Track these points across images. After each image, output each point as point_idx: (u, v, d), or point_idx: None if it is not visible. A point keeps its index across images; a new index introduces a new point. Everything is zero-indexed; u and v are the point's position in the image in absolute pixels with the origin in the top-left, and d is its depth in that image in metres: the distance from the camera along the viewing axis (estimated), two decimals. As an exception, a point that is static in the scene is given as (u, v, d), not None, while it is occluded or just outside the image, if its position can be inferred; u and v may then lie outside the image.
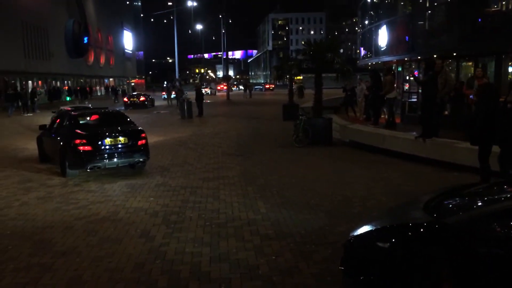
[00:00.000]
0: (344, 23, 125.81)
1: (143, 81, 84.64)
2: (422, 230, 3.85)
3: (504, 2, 13.63)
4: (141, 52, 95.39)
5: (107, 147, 9.42)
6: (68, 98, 42.72)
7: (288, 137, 14.00)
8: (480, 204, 4.30)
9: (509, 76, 14.15)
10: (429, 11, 17.25)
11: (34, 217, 6.86)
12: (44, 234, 6.09)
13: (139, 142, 9.85)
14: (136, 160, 9.82)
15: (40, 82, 40.71)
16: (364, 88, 16.78)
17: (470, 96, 10.33)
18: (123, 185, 8.84)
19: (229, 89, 47.56)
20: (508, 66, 14.33)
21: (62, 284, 4.62)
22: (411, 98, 17.25)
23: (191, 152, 12.72)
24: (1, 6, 33.37)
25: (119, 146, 9.56)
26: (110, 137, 9.48)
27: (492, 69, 14.36)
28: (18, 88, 34.37)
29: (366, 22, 26.18)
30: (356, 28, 46.55)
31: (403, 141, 10.93)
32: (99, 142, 9.39)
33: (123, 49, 74.03)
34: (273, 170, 9.95)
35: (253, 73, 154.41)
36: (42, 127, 11.39)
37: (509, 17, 13.08)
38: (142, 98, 33.98)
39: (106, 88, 58.34)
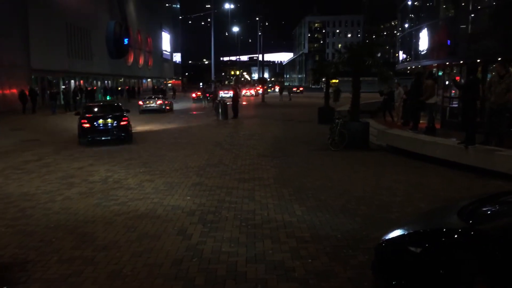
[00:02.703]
0: (382, 26, 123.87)
1: (179, 82, 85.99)
2: (456, 236, 3.77)
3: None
4: (179, 54, 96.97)
5: (101, 125, 14.66)
6: (108, 98, 43.90)
7: (324, 141, 13.90)
8: None
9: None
10: (472, 15, 16.76)
11: (76, 211, 7.11)
12: (86, 228, 6.29)
13: (121, 123, 14.92)
14: (119, 134, 14.88)
15: (82, 81, 42.06)
16: (402, 93, 16.47)
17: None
18: (160, 183, 9.02)
19: (264, 92, 47.63)
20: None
21: (103, 277, 4.76)
22: (452, 104, 16.79)
23: (227, 153, 12.83)
24: (46, 7, 34.72)
25: (108, 125, 14.76)
26: (102, 119, 14.73)
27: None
28: (62, 87, 35.71)
29: (406, 25, 25.69)
30: (395, 31, 45.75)
31: (444, 147, 10.65)
32: (95, 122, 14.61)
33: (161, 50, 75.61)
34: (309, 173, 9.90)
35: (288, 76, 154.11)
36: (77, 113, 16.75)
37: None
38: (159, 102, 29.74)
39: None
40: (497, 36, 14.68)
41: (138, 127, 19.88)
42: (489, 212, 4.22)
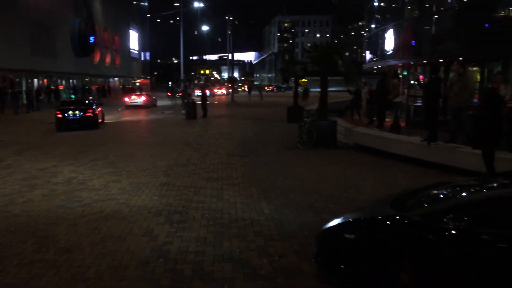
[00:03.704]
0: (350, 26, 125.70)
1: (148, 81, 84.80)
2: (384, 222, 4.16)
3: (511, 8, 13.60)
4: (147, 53, 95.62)
5: (70, 115, 18.89)
6: (73, 97, 42.84)
7: (293, 139, 13.99)
8: (439, 200, 4.45)
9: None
10: (436, 16, 17.24)
11: (38, 214, 6.89)
12: (48, 231, 6.10)
13: (87, 114, 19.12)
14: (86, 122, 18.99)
15: (45, 80, 40.86)
16: (366, 92, 16.78)
17: (474, 101, 10.21)
18: (127, 184, 8.85)
19: (234, 91, 47.54)
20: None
21: (66, 280, 4.63)
22: (416, 102, 17.21)
23: (195, 153, 12.73)
24: (8, 5, 33.56)
25: (77, 115, 18.96)
26: (71, 111, 18.98)
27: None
28: (23, 87, 34.58)
29: (373, 26, 26.19)
30: (362, 32, 46.54)
31: (408, 145, 10.90)
32: (66, 113, 18.91)
33: (129, 49, 74.32)
34: (277, 172, 9.94)
35: (258, 75, 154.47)
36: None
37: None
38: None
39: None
40: (459, 37, 15.15)
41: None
42: (416, 202, 4.52)
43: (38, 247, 5.51)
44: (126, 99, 34.15)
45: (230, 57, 56.36)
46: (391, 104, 13.49)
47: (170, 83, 67.08)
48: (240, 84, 79.66)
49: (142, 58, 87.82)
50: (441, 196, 4.52)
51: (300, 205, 7.23)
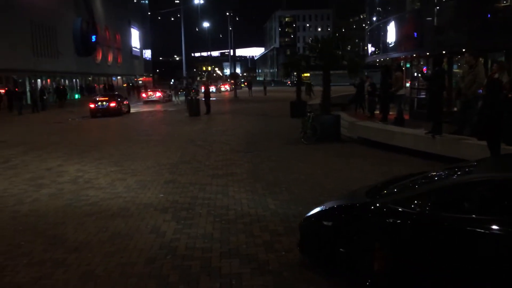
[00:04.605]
0: (351, 19, 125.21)
1: (150, 79, 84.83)
2: (357, 209, 4.48)
3: (514, -3, 13.51)
4: (149, 50, 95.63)
5: (99, 105, 25.06)
6: (77, 96, 42.96)
7: (296, 134, 14.00)
8: (409, 188, 4.56)
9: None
10: (438, 7, 17.13)
11: (46, 213, 6.95)
12: (56, 230, 6.17)
13: (111, 105, 25.12)
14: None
15: (48, 80, 40.97)
16: (368, 85, 16.75)
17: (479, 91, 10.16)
18: (132, 182, 8.91)
19: (236, 87, 47.55)
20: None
21: (75, 278, 4.68)
22: (419, 95, 17.17)
23: (200, 150, 12.77)
24: (9, 5, 33.63)
25: (104, 105, 25.13)
26: (100, 102, 25.35)
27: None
28: (27, 87, 34.70)
29: (374, 18, 26.05)
30: (364, 25, 46.37)
31: (412, 138, 10.89)
32: (97, 104, 25.19)
33: (130, 47, 74.37)
34: (282, 167, 9.96)
35: (260, 71, 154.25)
36: None
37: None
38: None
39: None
40: (461, 28, 15.06)
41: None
42: (391, 189, 4.69)
43: (47, 247, 5.56)
44: (144, 95, 38.36)
45: (231, 53, 56.28)
46: (395, 97, 13.48)
47: (172, 80, 67.16)
48: (243, 80, 79.61)
49: (144, 56, 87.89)
50: (413, 184, 4.64)
51: (305, 200, 7.25)
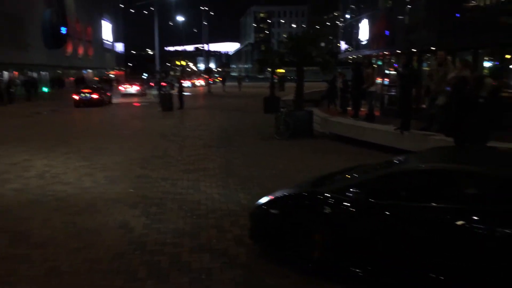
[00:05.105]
0: (326, 16, 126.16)
1: (122, 72, 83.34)
2: (299, 198, 4.80)
3: (481, -2, 13.87)
4: (121, 43, 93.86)
5: (83, 97, 26.25)
6: (44, 89, 41.82)
7: (270, 130, 14.03)
8: (349, 178, 4.86)
9: (485, 71, 14.44)
10: (409, 6, 17.44)
11: (10, 209, 6.74)
12: (21, 226, 5.99)
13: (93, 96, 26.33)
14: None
15: (16, 73, 39.72)
16: (340, 82, 16.92)
17: (447, 88, 10.36)
18: (101, 177, 8.74)
19: (208, 82, 47.18)
20: (484, 60, 14.62)
21: (40, 275, 4.56)
22: (390, 92, 17.46)
23: (172, 144, 12.64)
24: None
25: (87, 96, 26.37)
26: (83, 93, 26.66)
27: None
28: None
29: (348, 16, 26.34)
30: (337, 22, 46.80)
31: (382, 133, 11.08)
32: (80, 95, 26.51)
33: (102, 40, 72.79)
34: (254, 162, 9.97)
35: (234, 66, 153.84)
36: None
37: (485, 13, 13.32)
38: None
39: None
40: (432, 27, 15.38)
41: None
42: (332, 180, 4.99)
43: (11, 242, 5.40)
44: (121, 88, 38.62)
45: (206, 48, 55.84)
46: (366, 94, 13.65)
47: (145, 74, 66.23)
48: (217, 75, 79.11)
49: (116, 49, 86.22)
50: (352, 174, 4.97)
51: (277, 195, 7.26)
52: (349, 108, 15.34)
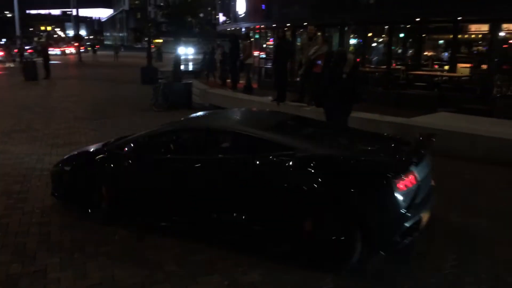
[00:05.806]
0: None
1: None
2: (90, 154, 5.30)
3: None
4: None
5: None
6: None
7: (147, 101, 13.58)
8: (129, 138, 5.25)
9: (351, 48, 15.68)
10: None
11: None
12: None
13: None
14: None
15: None
16: (220, 54, 17.03)
17: (318, 62, 11.00)
18: (-49, 154, 7.66)
19: (79, 50, 43.67)
20: (350, 38, 15.84)
21: None
22: (267, 64, 18.04)
23: (37, 117, 11.56)
24: None
25: None
26: None
27: (337, 40, 15.74)
28: None
29: (225, -14, 26.27)
30: (216, -7, 46.38)
31: (260, 105, 11.43)
32: None
33: None
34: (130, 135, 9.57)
35: (108, 34, 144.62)
36: None
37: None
38: None
39: None
40: (304, 2, 16.11)
41: None
42: (120, 141, 5.37)
43: None
44: None
45: (74, 13, 51.26)
46: (244, 66, 13.92)
47: (3, 39, 59.00)
48: (88, 43, 73.36)
49: (-35, 9, 74.98)
50: (135, 135, 5.38)
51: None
52: (229, 80, 15.53)
